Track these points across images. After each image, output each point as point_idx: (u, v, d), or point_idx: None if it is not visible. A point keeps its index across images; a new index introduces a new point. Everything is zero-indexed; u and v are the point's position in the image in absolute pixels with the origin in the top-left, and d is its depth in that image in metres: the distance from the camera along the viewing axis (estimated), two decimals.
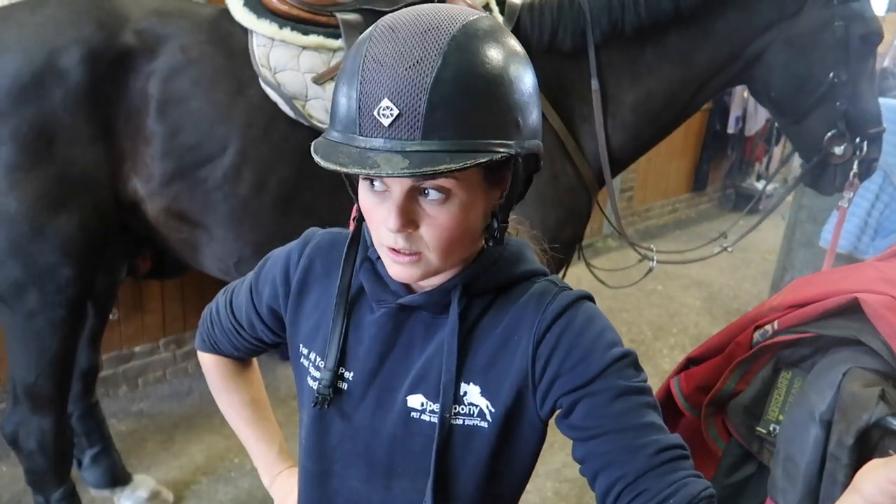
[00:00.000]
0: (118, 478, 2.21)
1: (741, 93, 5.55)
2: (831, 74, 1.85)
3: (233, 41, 1.73)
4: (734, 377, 1.51)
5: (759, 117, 5.83)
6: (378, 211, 0.70)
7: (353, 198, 0.76)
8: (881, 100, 2.01)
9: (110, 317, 2.66)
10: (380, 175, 0.63)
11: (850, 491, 0.52)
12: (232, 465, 2.48)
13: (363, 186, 0.71)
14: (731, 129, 5.75)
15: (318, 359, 0.84)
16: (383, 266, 0.78)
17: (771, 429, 1.45)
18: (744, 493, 1.54)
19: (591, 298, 0.79)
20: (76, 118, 1.59)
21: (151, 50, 1.65)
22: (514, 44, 0.70)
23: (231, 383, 1.04)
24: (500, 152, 0.64)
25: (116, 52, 1.62)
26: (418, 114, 0.62)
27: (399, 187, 0.67)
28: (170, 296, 2.86)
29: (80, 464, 2.17)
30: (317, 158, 0.66)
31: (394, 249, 0.70)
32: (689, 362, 1.64)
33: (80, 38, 1.58)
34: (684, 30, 1.85)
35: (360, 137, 0.65)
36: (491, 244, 0.73)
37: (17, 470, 2.37)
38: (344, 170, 0.64)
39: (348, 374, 0.82)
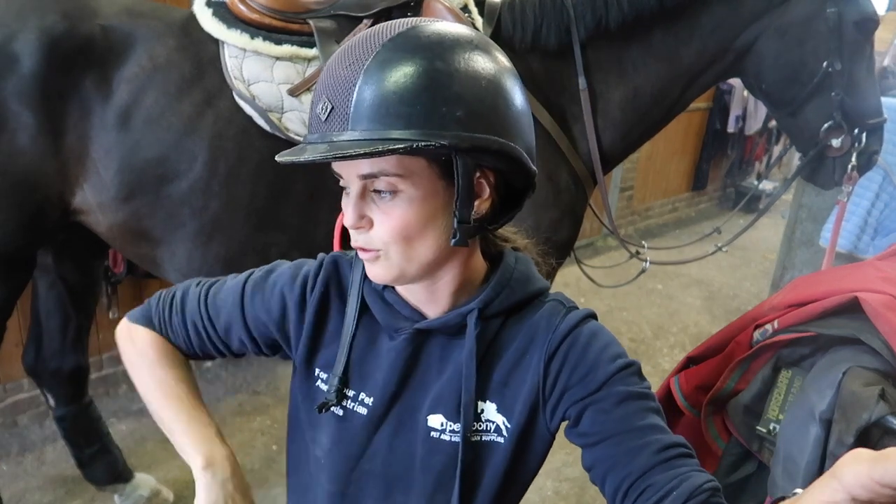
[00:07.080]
0: (119, 474, 2.21)
1: (741, 92, 5.56)
2: (825, 64, 1.79)
3: (202, 49, 1.65)
4: (734, 376, 1.52)
5: (759, 116, 5.84)
6: (345, 213, 0.74)
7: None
8: (882, 99, 1.94)
9: (110, 316, 2.66)
10: (298, 160, 0.67)
11: (830, 476, 0.51)
12: None
13: (343, 195, 0.75)
14: (731, 129, 5.76)
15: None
16: (391, 293, 0.82)
17: (771, 428, 1.45)
18: (744, 492, 1.55)
19: (594, 317, 0.83)
20: (25, 108, 1.50)
21: (117, 52, 1.57)
22: (466, 41, 0.69)
23: (168, 360, 0.92)
24: (421, 142, 0.64)
25: (77, 44, 1.53)
26: (347, 107, 0.66)
27: (354, 186, 0.71)
28: None
29: (80, 462, 2.17)
30: (277, 158, 0.71)
31: (359, 248, 0.74)
32: (689, 361, 1.64)
33: (40, 25, 1.50)
34: (669, 25, 1.80)
35: (309, 135, 0.70)
36: (452, 244, 0.72)
37: (17, 468, 2.37)
38: (281, 159, 0.70)
39: (368, 400, 0.83)
